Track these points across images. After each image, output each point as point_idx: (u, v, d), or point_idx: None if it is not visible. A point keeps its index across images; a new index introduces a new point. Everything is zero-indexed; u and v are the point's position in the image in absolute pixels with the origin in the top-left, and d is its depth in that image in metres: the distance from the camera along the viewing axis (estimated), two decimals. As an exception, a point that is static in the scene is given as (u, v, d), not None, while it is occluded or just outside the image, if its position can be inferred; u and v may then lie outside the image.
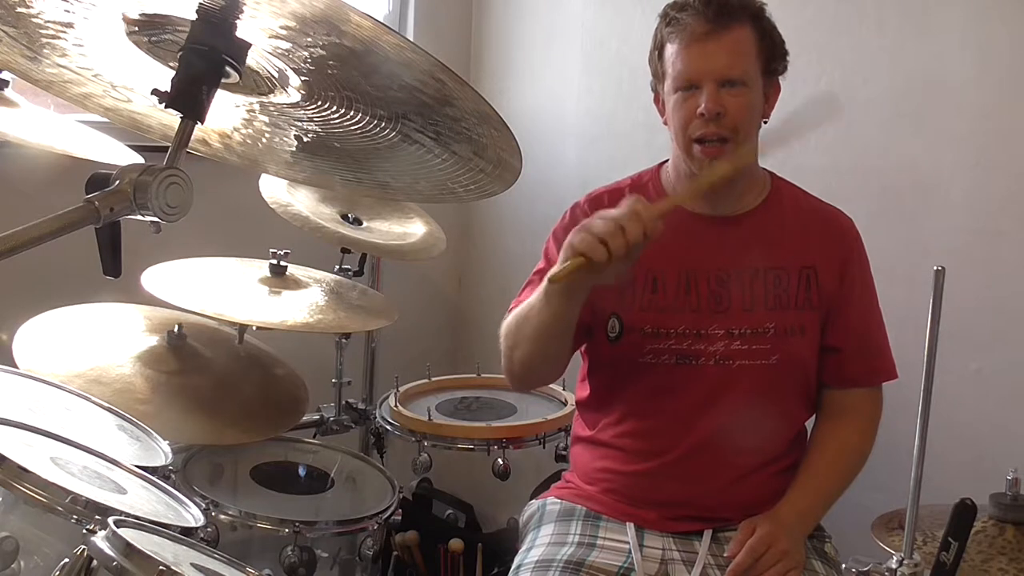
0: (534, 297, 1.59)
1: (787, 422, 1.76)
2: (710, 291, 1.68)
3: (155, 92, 1.04)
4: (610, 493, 1.74)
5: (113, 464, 1.48)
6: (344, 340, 2.57)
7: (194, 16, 1.02)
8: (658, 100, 1.70)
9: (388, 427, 2.33)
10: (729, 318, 1.67)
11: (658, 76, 1.67)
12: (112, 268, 1.06)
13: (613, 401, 1.75)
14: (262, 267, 2.27)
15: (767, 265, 1.69)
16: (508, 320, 1.69)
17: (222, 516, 1.92)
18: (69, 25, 1.07)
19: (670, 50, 1.62)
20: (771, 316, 1.67)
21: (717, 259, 1.69)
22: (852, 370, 1.74)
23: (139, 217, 1.02)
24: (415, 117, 1.12)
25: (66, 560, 1.14)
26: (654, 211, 1.43)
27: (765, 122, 1.68)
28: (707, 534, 1.67)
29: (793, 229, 1.72)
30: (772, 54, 1.64)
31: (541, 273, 1.73)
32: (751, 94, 1.61)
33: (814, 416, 1.79)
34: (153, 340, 2.09)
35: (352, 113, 1.13)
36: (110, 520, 1.15)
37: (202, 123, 1.05)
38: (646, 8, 2.47)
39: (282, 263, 2.26)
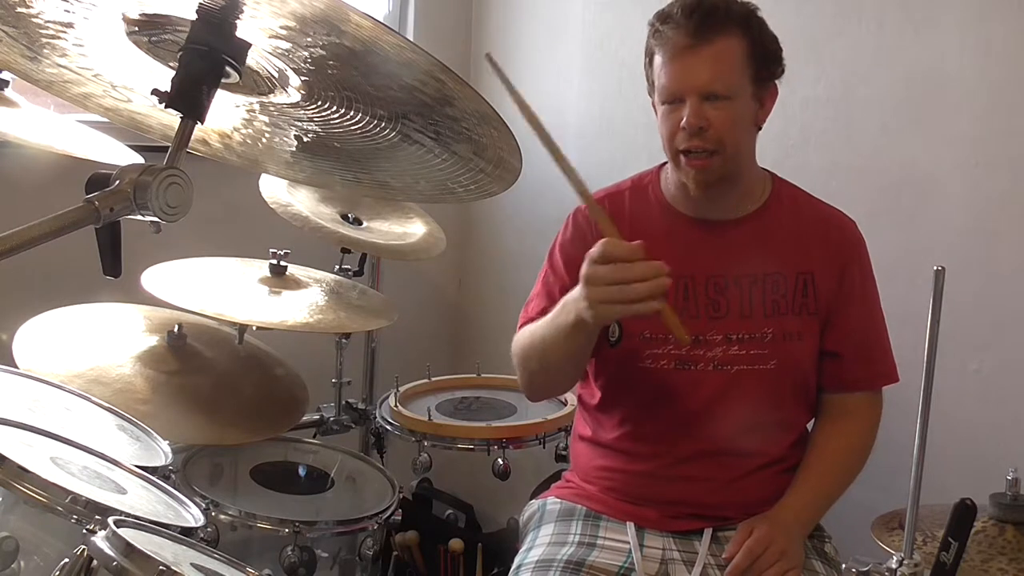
0: (552, 331, 1.57)
1: (788, 426, 1.75)
2: (708, 297, 1.67)
3: (155, 92, 1.04)
4: (610, 492, 1.74)
5: (113, 464, 1.48)
6: (344, 340, 2.57)
7: (194, 16, 1.02)
8: (654, 105, 1.70)
9: (388, 427, 2.33)
10: (727, 324, 1.66)
11: (650, 84, 1.67)
12: (112, 268, 1.06)
13: (614, 403, 1.75)
14: (262, 267, 2.27)
15: (764, 271, 1.68)
16: (522, 345, 1.68)
17: (222, 516, 1.92)
18: (69, 25, 1.07)
19: (657, 62, 1.61)
20: (769, 322, 1.66)
21: (715, 264, 1.68)
22: (851, 374, 1.73)
23: (139, 217, 1.02)
24: (415, 117, 1.12)
25: (66, 560, 1.14)
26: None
27: (759, 128, 1.67)
28: (707, 533, 1.67)
29: (791, 233, 1.70)
30: (764, 60, 1.61)
31: (548, 287, 1.73)
32: (735, 107, 1.58)
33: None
34: (153, 340, 2.10)
35: (352, 113, 1.13)
36: (110, 520, 1.15)
37: (202, 123, 1.05)
38: (646, 9, 2.47)
39: (282, 263, 2.27)
